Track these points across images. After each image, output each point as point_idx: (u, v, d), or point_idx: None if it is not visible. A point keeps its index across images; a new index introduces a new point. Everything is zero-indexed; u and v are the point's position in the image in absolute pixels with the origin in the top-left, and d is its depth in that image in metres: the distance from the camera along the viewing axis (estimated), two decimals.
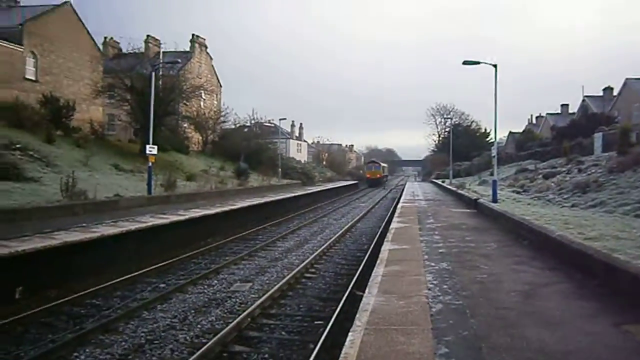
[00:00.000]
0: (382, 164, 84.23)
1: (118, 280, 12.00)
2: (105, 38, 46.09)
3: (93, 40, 36.88)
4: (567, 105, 66.78)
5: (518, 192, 27.41)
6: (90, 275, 11.91)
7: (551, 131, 52.30)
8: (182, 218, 17.21)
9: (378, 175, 75.62)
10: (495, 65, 22.24)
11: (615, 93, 52.47)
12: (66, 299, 10.38)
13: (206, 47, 51.14)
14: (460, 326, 5.42)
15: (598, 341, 4.92)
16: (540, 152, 44.33)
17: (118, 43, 46.81)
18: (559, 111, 67.08)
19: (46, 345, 7.96)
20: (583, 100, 57.79)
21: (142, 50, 41.25)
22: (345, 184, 59.01)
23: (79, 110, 32.19)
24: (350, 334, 5.28)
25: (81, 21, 35.30)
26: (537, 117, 76.50)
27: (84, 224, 14.22)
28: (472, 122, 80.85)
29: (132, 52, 39.07)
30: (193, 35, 49.02)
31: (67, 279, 11.39)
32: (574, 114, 59.35)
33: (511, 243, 11.32)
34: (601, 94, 56.75)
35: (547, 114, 69.37)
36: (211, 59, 52.22)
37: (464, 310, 6.01)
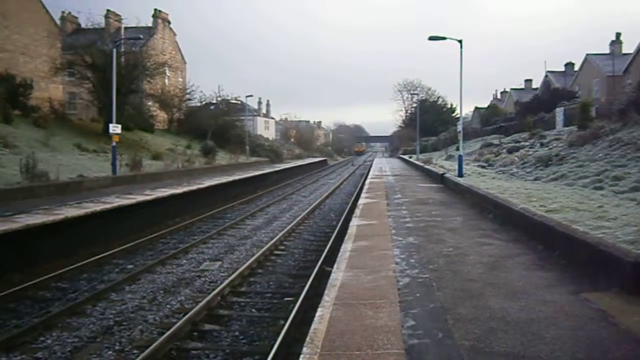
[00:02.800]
0: (363, 142, 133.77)
1: (84, 262, 11.78)
2: (63, 12, 44.28)
3: (50, 14, 35.32)
4: (531, 80, 68.07)
5: (483, 167, 27.97)
6: (55, 258, 11.67)
7: (515, 106, 53.21)
8: (148, 198, 16.96)
9: (362, 149, 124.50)
10: (460, 41, 22.39)
11: (576, 69, 53.61)
12: (30, 282, 10.13)
13: (169, 23, 49.71)
14: (427, 299, 5.55)
15: (558, 309, 5.11)
16: (504, 126, 45.14)
17: (76, 18, 45.09)
18: (523, 86, 68.27)
19: (10, 331, 7.79)
20: (545, 76, 58.87)
21: (102, 25, 39.85)
22: (313, 161, 59.01)
23: (37, 88, 30.97)
24: (319, 309, 5.34)
25: None
26: (501, 93, 77.73)
27: (46, 206, 13.88)
28: (438, 98, 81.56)
29: (91, 27, 37.72)
30: (155, 10, 47.50)
31: (31, 262, 11.13)
32: (537, 89, 60.47)
33: (476, 217, 11.57)
34: (563, 69, 57.89)
35: (512, 89, 70.57)
36: (175, 34, 50.91)
37: (431, 284, 6.14)
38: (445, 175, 20.60)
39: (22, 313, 8.81)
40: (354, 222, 11.36)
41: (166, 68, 39.51)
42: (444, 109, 78.05)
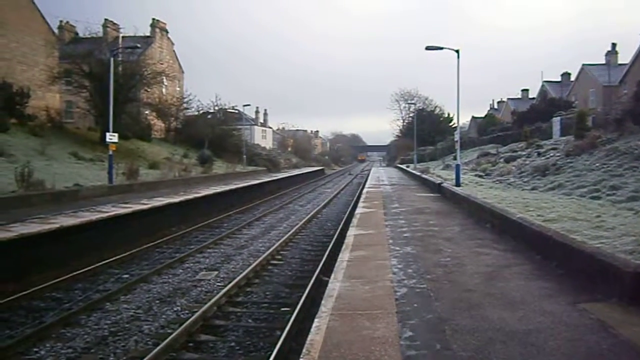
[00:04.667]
0: (365, 153, 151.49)
1: (79, 272, 11.69)
2: (61, 21, 44.37)
3: (47, 23, 35.33)
4: (527, 90, 68.31)
5: (480, 176, 28.00)
6: (49, 268, 11.56)
7: (512, 116, 53.43)
8: (145, 207, 16.89)
9: (364, 158, 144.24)
10: (457, 51, 22.48)
11: (572, 78, 53.89)
12: (24, 292, 10.03)
13: (167, 32, 49.86)
14: (425, 309, 5.50)
15: (557, 320, 5.06)
16: (501, 136, 45.30)
17: (74, 27, 45.14)
18: (520, 96, 68.55)
19: (3, 342, 7.70)
20: (542, 86, 59.19)
21: (100, 34, 39.89)
22: (310, 170, 59.01)
23: (34, 97, 30.90)
24: (316, 320, 5.28)
25: (34, 3, 33.80)
26: (498, 102, 78.10)
27: (42, 215, 13.79)
28: (435, 107, 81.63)
29: (89, 36, 37.77)
30: (153, 19, 47.61)
31: (25, 272, 11.03)
32: (533, 99, 60.74)
33: (474, 226, 11.54)
34: (559, 79, 58.20)
35: (508, 98, 70.84)
36: (173, 44, 51.03)
37: (428, 294, 6.09)
38: (442, 184, 20.59)
39: (15, 323, 8.70)
40: (351, 231, 11.30)
41: (163, 77, 39.51)
42: (441, 119, 78.13)
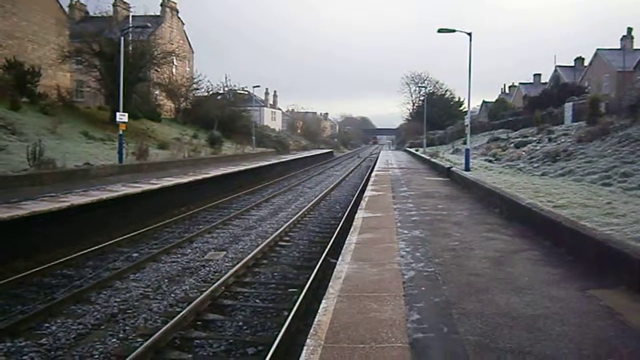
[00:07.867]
0: (377, 136, 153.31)
1: (89, 250, 11.82)
2: (71, 0, 44.29)
3: (58, 2, 35.28)
4: (540, 75, 67.46)
5: (490, 161, 27.83)
6: (60, 246, 11.70)
7: (523, 101, 52.85)
8: (154, 187, 16.98)
9: (376, 141, 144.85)
10: (469, 34, 22.16)
11: (586, 63, 53.07)
12: (36, 269, 10.17)
13: (177, 12, 49.65)
14: (432, 293, 5.51)
15: (565, 306, 5.06)
16: (512, 121, 44.84)
17: (85, 5, 45.13)
18: (532, 81, 67.68)
19: (16, 317, 7.83)
20: (555, 70, 58.37)
21: (111, 13, 39.80)
22: (319, 153, 58.94)
23: (45, 76, 30.96)
24: (323, 301, 5.31)
25: None
26: (510, 87, 77.14)
27: (52, 194, 13.92)
28: (446, 91, 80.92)
29: (99, 15, 37.69)
30: None
31: (36, 249, 11.17)
32: (546, 83, 59.95)
33: (483, 211, 11.50)
34: (572, 64, 57.32)
35: (520, 83, 70.01)
36: (183, 24, 50.81)
37: (436, 277, 6.10)
38: (451, 168, 20.49)
39: (27, 299, 8.83)
40: (360, 214, 11.31)
41: (174, 57, 39.40)
42: (452, 103, 77.52)
